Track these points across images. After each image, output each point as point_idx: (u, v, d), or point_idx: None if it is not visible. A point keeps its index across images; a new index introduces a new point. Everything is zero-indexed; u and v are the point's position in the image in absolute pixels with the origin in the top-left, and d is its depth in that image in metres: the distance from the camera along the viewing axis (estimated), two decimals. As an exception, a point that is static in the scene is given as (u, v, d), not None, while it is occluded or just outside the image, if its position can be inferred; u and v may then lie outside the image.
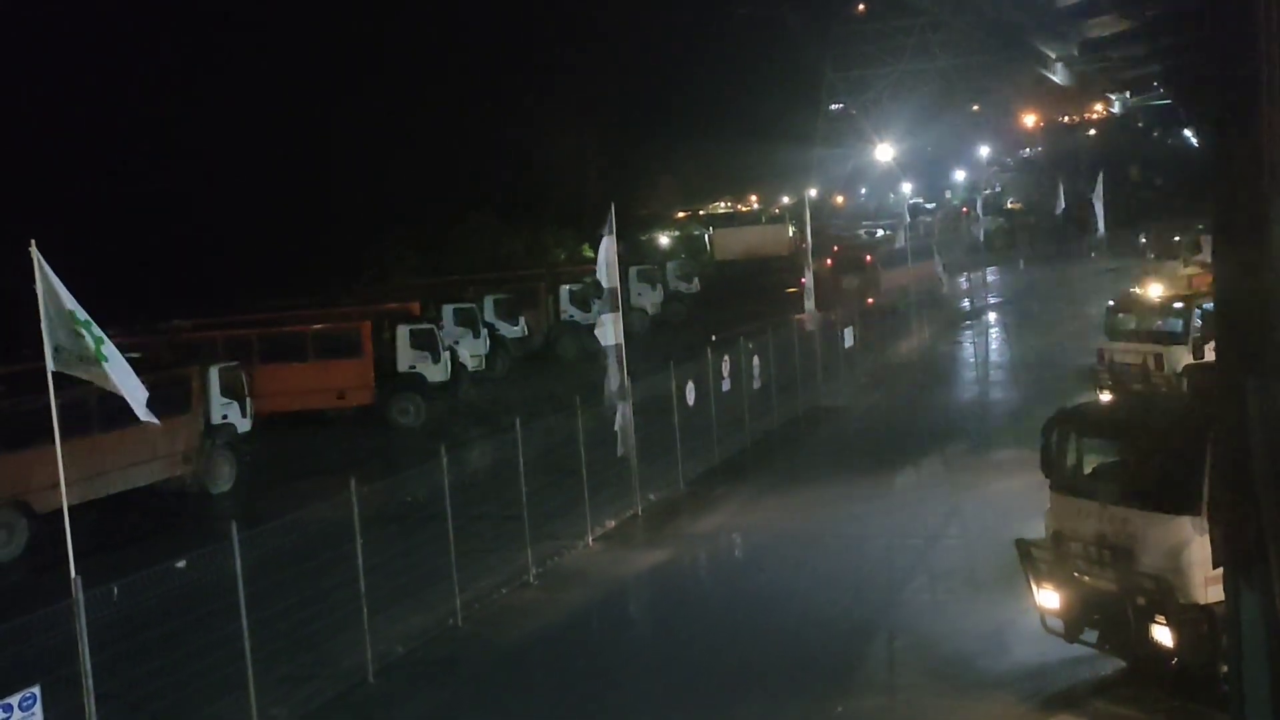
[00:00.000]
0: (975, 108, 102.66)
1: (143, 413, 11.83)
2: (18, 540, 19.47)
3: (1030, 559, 11.86)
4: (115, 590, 11.59)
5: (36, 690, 9.80)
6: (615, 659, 13.84)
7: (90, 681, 10.52)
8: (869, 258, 47.02)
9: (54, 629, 10.75)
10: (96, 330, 11.61)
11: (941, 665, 12.72)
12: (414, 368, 30.51)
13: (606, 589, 16.32)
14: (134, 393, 11.80)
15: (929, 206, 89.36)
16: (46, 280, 11.43)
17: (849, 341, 30.52)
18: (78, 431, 19.24)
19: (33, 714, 9.71)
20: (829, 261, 44.40)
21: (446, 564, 14.98)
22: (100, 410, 20.84)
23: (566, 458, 18.44)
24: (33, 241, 11.35)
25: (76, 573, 10.75)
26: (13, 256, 11.86)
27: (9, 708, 9.56)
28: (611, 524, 18.88)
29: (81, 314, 11.49)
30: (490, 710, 12.73)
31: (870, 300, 40.34)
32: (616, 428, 19.18)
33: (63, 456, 11.67)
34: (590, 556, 17.65)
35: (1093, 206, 56.18)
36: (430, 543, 16.27)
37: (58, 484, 11.68)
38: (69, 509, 11.77)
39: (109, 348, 11.71)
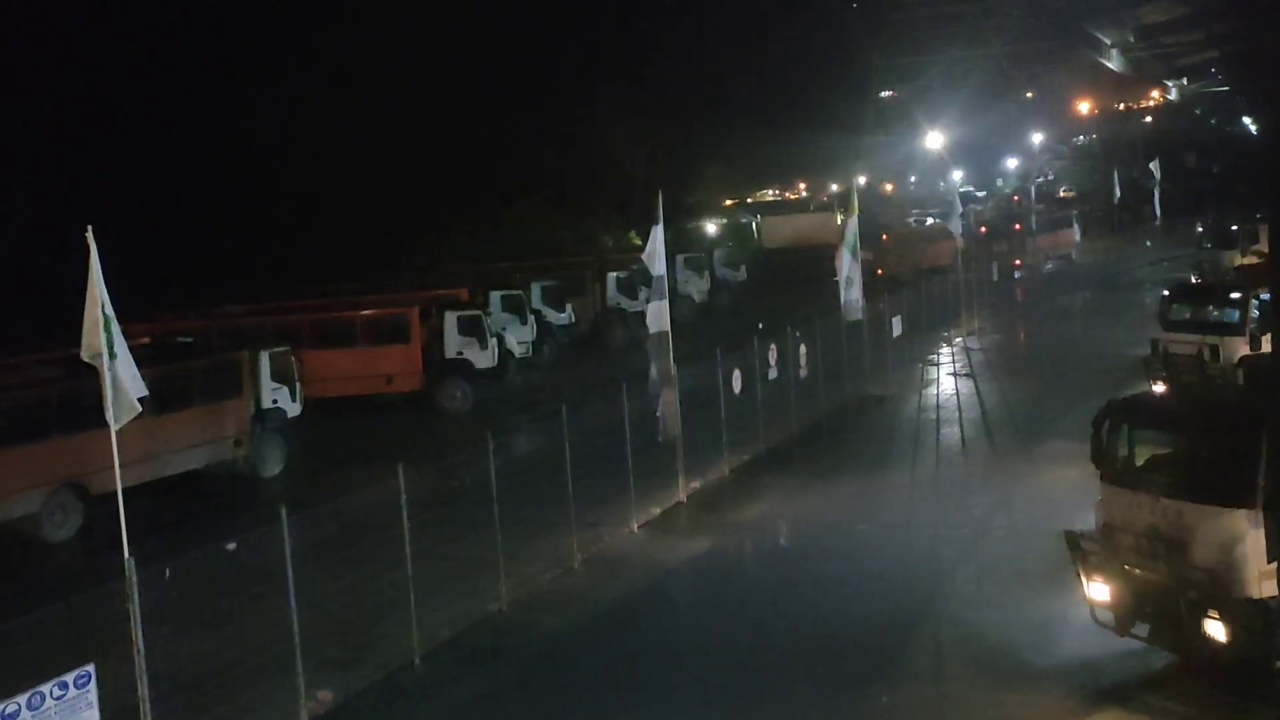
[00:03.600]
0: (1029, 94, 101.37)
1: (120, 418, 11.87)
2: (73, 521, 19.81)
3: (1081, 551, 11.74)
4: (167, 571, 11.76)
5: (91, 668, 9.95)
6: (659, 646, 13.84)
7: (143, 660, 10.67)
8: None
9: (107, 608, 10.94)
10: (115, 326, 11.75)
11: (988, 657, 12.62)
12: (461, 354, 30.65)
13: (650, 576, 16.33)
14: (128, 393, 11.84)
15: (979, 194, 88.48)
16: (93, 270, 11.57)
17: (897, 330, 30.31)
18: (132, 414, 19.55)
19: (87, 691, 9.87)
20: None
21: (492, 549, 15.06)
22: (154, 394, 21.17)
23: (612, 444, 18.45)
24: (89, 228, 11.48)
25: (130, 554, 10.90)
26: (74, 242, 12.02)
27: (65, 685, 9.73)
28: (656, 511, 18.89)
29: (108, 308, 11.63)
30: (534, 695, 12.78)
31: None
32: (658, 413, 19.16)
33: (117, 439, 11.83)
34: (635, 543, 17.67)
35: (1150, 195, 55.44)
36: (476, 528, 16.38)
37: (112, 466, 11.85)
38: (123, 491, 11.94)
39: (121, 346, 11.85)
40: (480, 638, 14.22)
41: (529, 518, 17.84)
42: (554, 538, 16.96)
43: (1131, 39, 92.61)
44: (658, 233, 19.40)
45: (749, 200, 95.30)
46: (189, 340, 27.28)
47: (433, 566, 15.09)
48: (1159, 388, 20.06)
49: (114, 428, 11.83)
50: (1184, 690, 11.30)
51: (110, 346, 11.63)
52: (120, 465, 11.94)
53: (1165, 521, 11.07)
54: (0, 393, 19.52)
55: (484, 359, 30.83)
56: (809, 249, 59.82)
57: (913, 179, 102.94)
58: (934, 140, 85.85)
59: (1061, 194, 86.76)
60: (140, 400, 20.10)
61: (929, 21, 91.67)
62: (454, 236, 61.16)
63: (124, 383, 11.75)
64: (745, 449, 21.96)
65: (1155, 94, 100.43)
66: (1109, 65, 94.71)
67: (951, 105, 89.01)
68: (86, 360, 11.74)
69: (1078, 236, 58.27)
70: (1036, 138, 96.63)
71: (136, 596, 10.63)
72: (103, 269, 11.60)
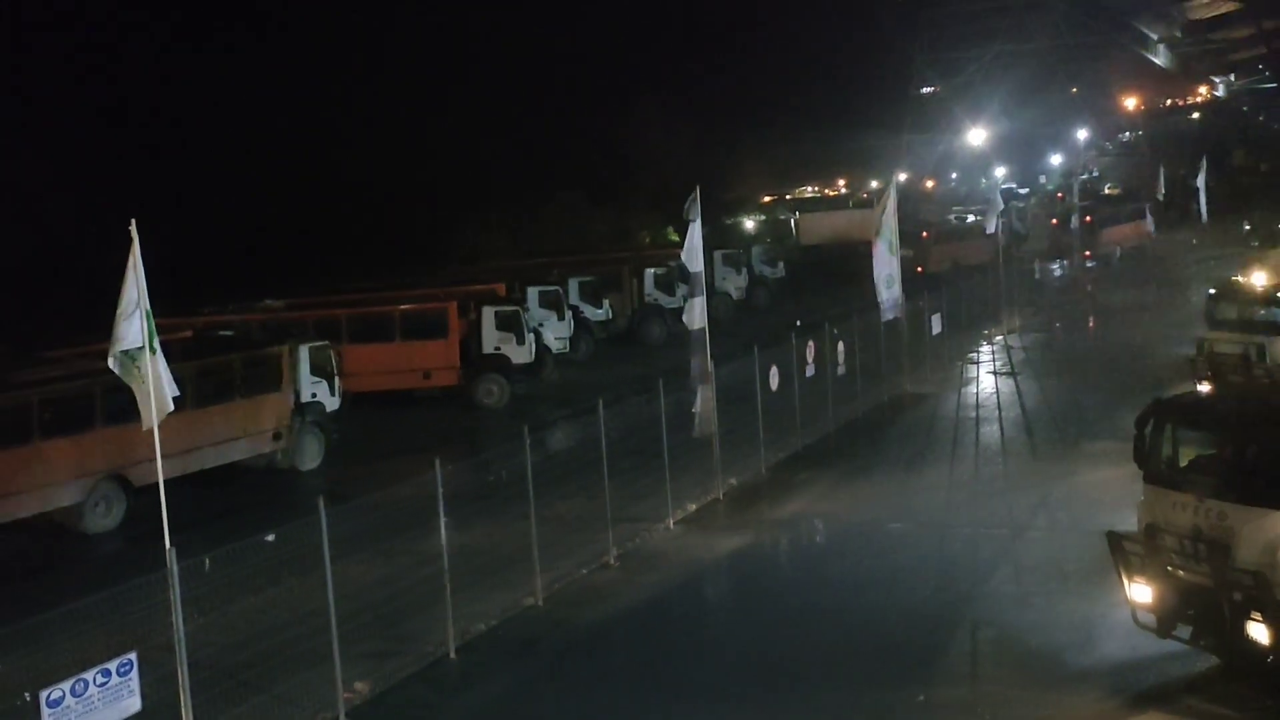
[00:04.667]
0: (1073, 90, 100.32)
1: (150, 417, 11.87)
2: (116, 512, 20.04)
3: (1122, 552, 11.61)
4: (207, 562, 11.88)
5: (133, 656, 10.07)
6: (694, 642, 13.83)
7: (183, 649, 10.77)
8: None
9: (149, 598, 11.05)
10: (152, 322, 11.75)
11: (1027, 658, 12.52)
12: (499, 349, 30.73)
13: (686, 572, 16.32)
14: (164, 394, 11.82)
15: (1022, 191, 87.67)
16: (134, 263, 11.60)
17: (937, 328, 30.11)
18: (174, 407, 19.74)
19: (129, 679, 9.99)
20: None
21: (528, 544, 15.09)
22: (194, 387, 21.41)
23: (649, 440, 18.45)
24: (133, 220, 11.57)
25: (170, 544, 11.00)
26: (116, 236, 12.09)
27: (107, 673, 9.85)
28: (692, 507, 18.86)
29: (146, 302, 11.63)
30: (569, 689, 12.81)
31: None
32: (695, 409, 19.13)
33: (159, 431, 11.93)
34: (671, 539, 17.66)
35: (1195, 192, 54.80)
36: (512, 522, 16.45)
37: (154, 458, 11.96)
38: (164, 483, 12.05)
39: (157, 341, 11.83)
40: (516, 631, 14.26)
41: (565, 513, 17.91)
42: (590, 533, 16.98)
43: (1178, 34, 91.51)
44: (696, 229, 19.36)
45: (788, 197, 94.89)
46: (230, 334, 27.54)
47: (469, 560, 15.15)
48: (1204, 387, 19.81)
49: (155, 422, 11.88)
50: (1226, 693, 11.16)
51: (151, 341, 11.68)
52: (162, 457, 12.03)
53: (1209, 523, 10.93)
54: (44, 385, 19.77)
55: (521, 354, 30.91)
56: (848, 246, 59.57)
57: (954, 175, 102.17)
58: (976, 136, 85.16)
59: (1106, 191, 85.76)
60: (179, 392, 20.40)
61: (971, 16, 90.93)
62: (492, 232, 61.33)
63: (162, 379, 11.78)
64: (782, 446, 21.90)
65: (1203, 90, 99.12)
66: (1155, 61, 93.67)
67: (993, 101, 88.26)
68: (112, 356, 11.66)
69: (1152, 228, 58.30)
70: (1081, 134, 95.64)
71: (177, 586, 10.73)
72: (144, 262, 11.67)
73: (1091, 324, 38.42)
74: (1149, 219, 58.57)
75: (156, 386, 11.70)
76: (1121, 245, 55.89)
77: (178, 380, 20.17)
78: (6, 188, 42.58)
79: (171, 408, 11.97)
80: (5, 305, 39.32)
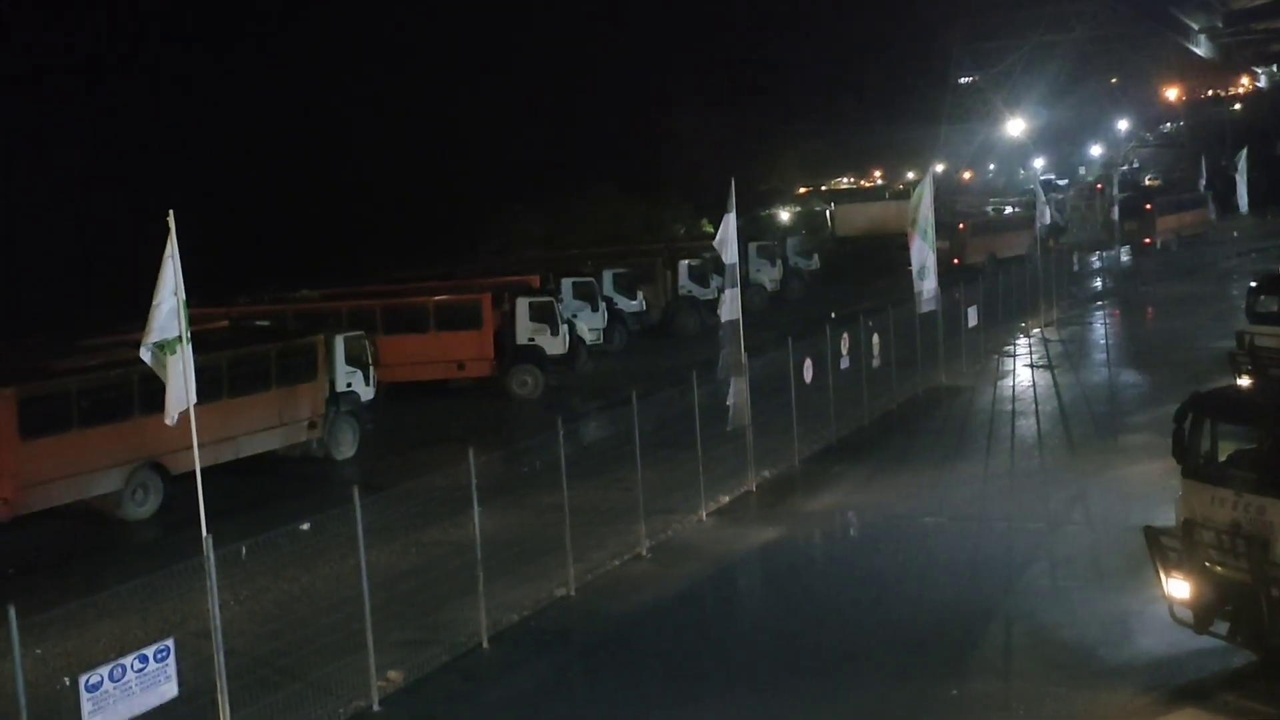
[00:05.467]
0: (1113, 80, 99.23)
1: (173, 410, 11.88)
2: (154, 500, 20.25)
3: (1159, 547, 11.50)
4: (243, 550, 11.98)
5: (170, 643, 10.17)
6: (726, 634, 13.82)
7: (219, 636, 10.87)
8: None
9: (186, 585, 11.16)
10: (185, 312, 11.77)
11: (1061, 653, 12.42)
12: (533, 340, 30.82)
13: (719, 564, 16.30)
14: (184, 390, 11.81)
15: (1061, 183, 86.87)
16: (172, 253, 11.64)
17: (973, 321, 29.91)
18: (210, 396, 19.94)
19: (166, 665, 10.08)
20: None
21: (561, 534, 15.12)
22: (231, 376, 21.60)
23: (682, 432, 18.44)
24: (170, 212, 11.64)
25: (207, 532, 11.09)
26: (154, 226, 12.17)
27: (145, 659, 9.94)
28: (725, 499, 18.84)
29: (181, 292, 11.66)
30: (600, 680, 12.83)
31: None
32: (729, 402, 19.10)
33: (196, 420, 12.03)
34: (703, 531, 17.65)
35: (1234, 183, 54.09)
36: (545, 513, 16.49)
37: (191, 446, 12.06)
38: (201, 471, 12.16)
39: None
40: (548, 622, 14.29)
41: (598, 504, 17.93)
42: (623, 524, 16.99)
43: (1219, 24, 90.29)
44: (730, 220, 19.30)
45: (823, 188, 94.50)
46: (266, 324, 27.74)
47: (502, 550, 15.21)
48: (1244, 381, 19.59)
49: (172, 418, 11.90)
50: (1264, 689, 11.04)
51: (184, 333, 11.72)
52: (199, 446, 12.13)
53: (1247, 518, 10.81)
54: (83, 374, 20.00)
55: (555, 345, 30.98)
56: (884, 237, 59.30)
57: (991, 167, 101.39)
58: (1014, 127, 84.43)
59: (1147, 182, 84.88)
60: (215, 383, 20.62)
61: (1011, 5, 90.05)
62: (526, 224, 61.46)
63: (189, 372, 11.78)
64: (816, 439, 21.83)
65: (1244, 81, 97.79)
66: (1196, 51, 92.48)
67: (1032, 91, 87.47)
68: (145, 347, 11.69)
69: (1213, 215, 58.23)
70: (1121, 125, 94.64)
71: (214, 574, 10.82)
72: (182, 253, 11.74)
73: (1130, 317, 38.03)
74: (1211, 206, 58.16)
75: (186, 379, 11.70)
76: (1180, 233, 55.48)
77: (214, 369, 20.63)
78: (48, 179, 43.07)
79: (188, 405, 11.88)
80: (46, 295, 39.84)
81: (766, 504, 18.95)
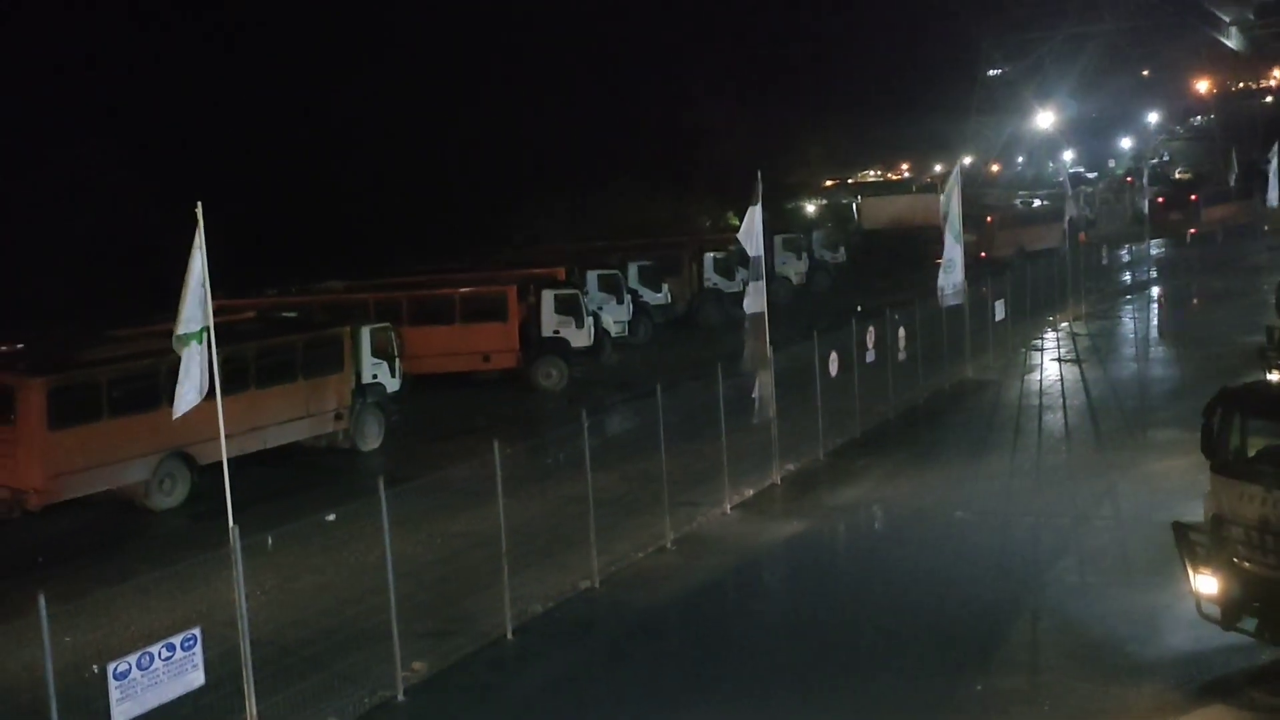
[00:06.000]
0: (1144, 73, 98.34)
1: (181, 405, 11.89)
2: (181, 490, 20.38)
3: (1188, 543, 11.42)
4: (269, 540, 12.05)
5: (197, 632, 10.25)
6: (749, 627, 13.81)
7: (245, 625, 10.93)
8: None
9: (212, 575, 11.25)
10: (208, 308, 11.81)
11: (1088, 648, 12.35)
12: (558, 332, 30.85)
13: (743, 557, 16.29)
14: (190, 383, 11.80)
15: (1090, 176, 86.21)
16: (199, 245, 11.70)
17: (1000, 314, 29.74)
18: (238, 387, 20.07)
19: (193, 654, 10.16)
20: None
21: (585, 526, 15.13)
22: (258, 367, 21.72)
23: (707, 425, 18.41)
24: (199, 204, 11.71)
25: (234, 522, 11.16)
26: (182, 218, 12.23)
27: (172, 647, 10.02)
28: (750, 492, 18.81)
29: (207, 284, 11.69)
30: (622, 671, 12.84)
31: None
32: (754, 395, 19.07)
33: (223, 411, 12.09)
34: (728, 524, 17.64)
35: (1265, 177, 53.57)
36: (569, 505, 16.50)
37: (218, 437, 12.13)
38: (228, 461, 12.23)
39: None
40: (572, 613, 14.32)
41: (622, 496, 17.94)
42: (647, 516, 17.00)
43: (1251, 16, 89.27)
44: (755, 213, 19.24)
45: (850, 181, 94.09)
46: (292, 315, 27.87)
47: (526, 542, 15.24)
48: (1274, 376, 19.40)
49: (219, 399, 12.01)
50: (1293, 688, 10.95)
51: (205, 324, 11.76)
52: (225, 436, 12.20)
53: (1276, 514, 10.73)
54: (112, 364, 20.14)
55: (580, 338, 31.01)
56: (910, 230, 59.05)
57: (1020, 159, 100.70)
58: (1044, 119, 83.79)
59: (1177, 175, 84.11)
60: (242, 374, 20.77)
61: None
62: (552, 216, 61.48)
63: (205, 365, 11.80)
64: (841, 432, 21.77)
65: (1275, 73, 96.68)
66: (1227, 44, 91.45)
67: (1062, 84, 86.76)
68: (176, 337, 11.74)
69: (1276, 201, 58.30)
70: (1151, 117, 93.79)
71: (240, 564, 10.88)
72: (209, 245, 11.80)
73: (1159, 311, 37.72)
74: (1271, 194, 57.95)
75: (199, 373, 11.71)
76: (1225, 224, 55.02)
77: (241, 359, 20.75)
78: (78, 171, 43.40)
79: (195, 401, 11.88)
80: (75, 286, 40.16)
81: (791, 497, 18.91)
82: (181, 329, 11.66)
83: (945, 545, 16.08)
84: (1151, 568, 13.96)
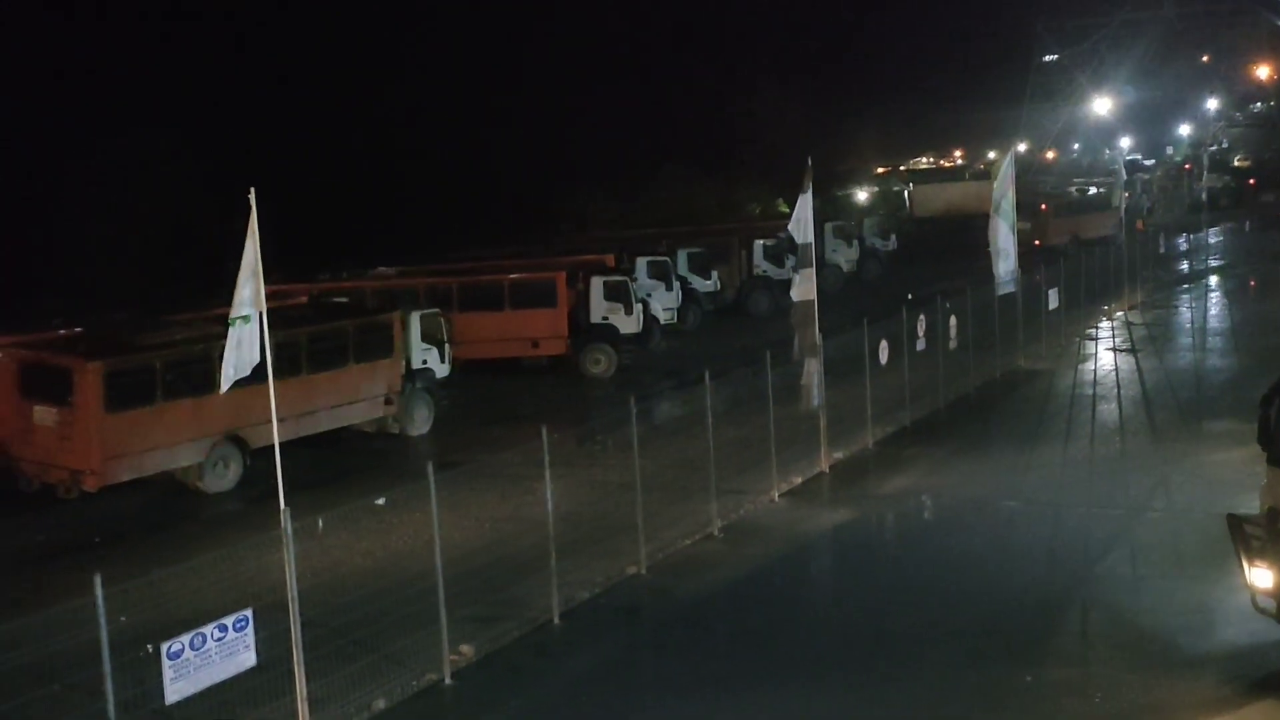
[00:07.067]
0: (1203, 59, 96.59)
1: (224, 381, 11.95)
2: (234, 472, 20.66)
3: (1243, 535, 11.24)
4: (320, 523, 12.18)
5: (249, 613, 10.38)
6: (796, 615, 13.77)
7: (296, 607, 11.04)
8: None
9: (264, 557, 11.38)
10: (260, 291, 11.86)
11: (1139, 641, 12.20)
12: (607, 319, 30.89)
13: (790, 545, 16.24)
14: (234, 359, 11.84)
15: (1147, 163, 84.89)
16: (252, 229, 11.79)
17: (1054, 303, 29.39)
18: (290, 372, 20.30)
19: (245, 635, 10.30)
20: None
21: (632, 513, 15.15)
22: (310, 352, 21.93)
23: (755, 412, 18.37)
24: (251, 189, 11.80)
25: (285, 505, 11.28)
26: (236, 205, 12.33)
27: (224, 628, 10.17)
28: (798, 480, 18.75)
29: (259, 268, 11.76)
30: (669, 657, 12.86)
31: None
32: (803, 383, 18.98)
33: (275, 395, 12.22)
34: (775, 512, 17.59)
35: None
36: (617, 491, 16.53)
37: (270, 421, 12.26)
38: (280, 445, 12.35)
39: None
40: (618, 599, 14.35)
41: (670, 483, 17.94)
42: (694, 503, 16.99)
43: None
44: (806, 200, 19.14)
45: (902, 168, 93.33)
46: (343, 301, 28.11)
47: (573, 527, 15.30)
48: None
49: (269, 383, 12.11)
50: (1351, 684, 10.76)
51: (258, 308, 11.85)
52: (278, 420, 12.31)
53: (1336, 507, 10.51)
54: (167, 348, 20.43)
55: (629, 324, 31.04)
56: (963, 218, 58.49)
57: (1075, 146, 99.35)
58: (1100, 106, 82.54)
59: (1236, 163, 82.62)
60: (295, 359, 20.97)
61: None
62: (602, 203, 61.53)
63: (254, 345, 11.87)
64: (890, 421, 21.63)
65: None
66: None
67: (1118, 70, 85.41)
68: (230, 320, 11.84)
69: None
70: (1210, 104, 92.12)
71: (291, 546, 11.00)
72: (262, 230, 11.90)
73: (1215, 301, 37.11)
74: None
75: (249, 351, 11.79)
76: None
77: (293, 345, 20.96)
78: (134, 157, 43.98)
79: (233, 379, 11.95)
80: (133, 270, 40.78)
81: (839, 485, 18.83)
82: (235, 313, 11.77)
83: (995, 535, 15.94)
84: (1205, 560, 13.76)
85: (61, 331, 23.03)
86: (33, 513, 19.39)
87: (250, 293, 11.69)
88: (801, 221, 19.12)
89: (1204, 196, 61.79)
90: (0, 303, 32.99)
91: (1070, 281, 31.30)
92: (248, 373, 11.90)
